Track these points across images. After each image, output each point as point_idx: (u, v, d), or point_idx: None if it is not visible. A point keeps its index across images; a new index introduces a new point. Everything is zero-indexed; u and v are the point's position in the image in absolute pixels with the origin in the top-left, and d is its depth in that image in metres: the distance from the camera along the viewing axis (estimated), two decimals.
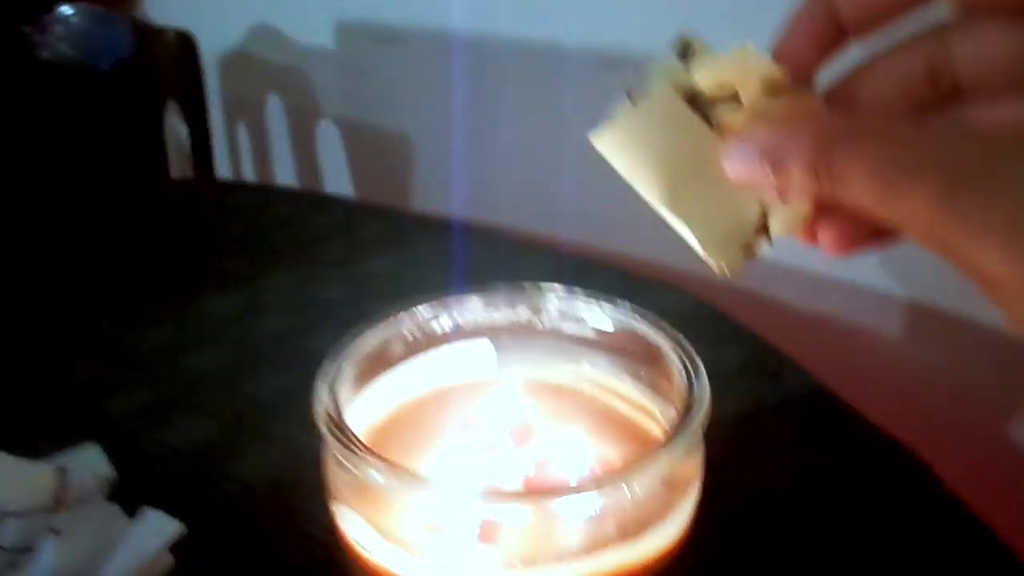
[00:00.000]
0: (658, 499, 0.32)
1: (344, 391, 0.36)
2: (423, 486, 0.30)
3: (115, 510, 0.42)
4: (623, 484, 0.30)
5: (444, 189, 0.97)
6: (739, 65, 0.30)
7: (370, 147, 1.06)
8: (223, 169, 1.17)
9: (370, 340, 0.38)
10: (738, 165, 0.30)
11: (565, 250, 0.74)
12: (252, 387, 0.56)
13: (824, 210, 0.30)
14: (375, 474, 0.30)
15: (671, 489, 0.33)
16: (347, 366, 0.37)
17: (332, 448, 0.32)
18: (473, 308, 0.41)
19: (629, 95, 0.31)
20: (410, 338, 0.41)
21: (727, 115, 0.30)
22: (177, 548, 0.40)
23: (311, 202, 0.92)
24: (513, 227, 0.81)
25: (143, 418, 0.53)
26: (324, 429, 0.32)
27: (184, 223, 0.83)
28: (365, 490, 0.32)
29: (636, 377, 0.40)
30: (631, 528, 0.31)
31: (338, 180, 1.10)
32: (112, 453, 0.46)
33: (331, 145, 1.10)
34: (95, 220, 0.78)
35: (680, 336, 0.37)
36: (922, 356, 0.71)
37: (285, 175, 1.15)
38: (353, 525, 0.33)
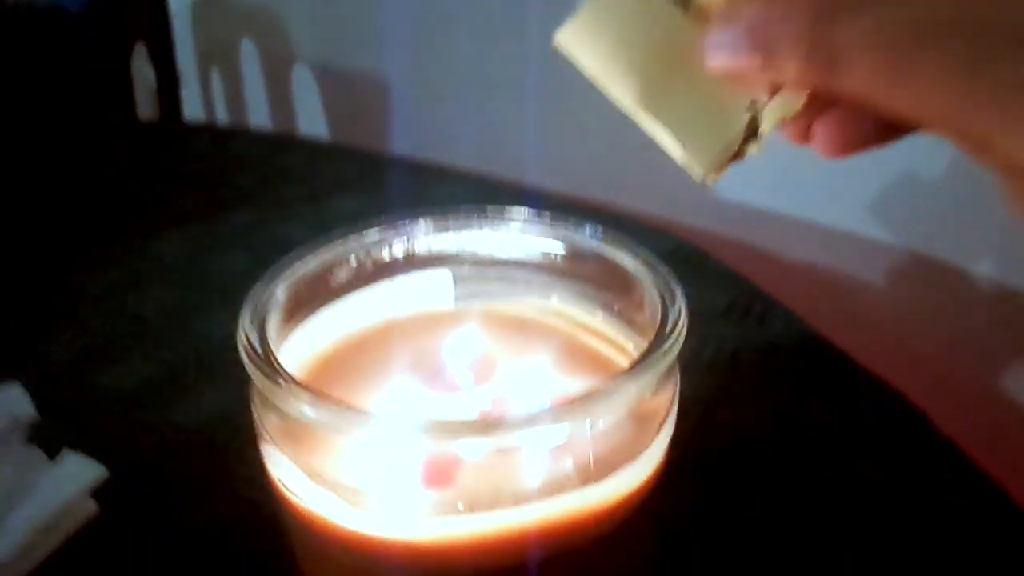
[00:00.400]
0: (625, 435, 0.28)
1: (276, 319, 0.32)
2: (357, 420, 0.26)
3: (35, 453, 0.38)
4: (585, 415, 0.26)
5: (421, 134, 0.93)
6: None
7: (346, 92, 1.01)
8: (196, 115, 1.12)
9: (308, 265, 0.34)
10: (721, 53, 0.26)
11: (540, 194, 0.70)
12: (202, 328, 0.52)
13: (818, 104, 0.26)
14: (302, 408, 0.26)
15: (640, 425, 0.29)
16: (280, 291, 0.33)
17: (254, 379, 0.28)
18: (429, 233, 0.37)
19: None
20: (356, 265, 0.37)
21: None
22: (102, 494, 0.37)
23: (277, 142, 0.87)
24: (487, 171, 0.77)
25: (82, 359, 0.49)
26: (245, 357, 0.28)
27: (146, 164, 0.79)
28: (292, 428, 0.28)
29: (608, 309, 0.36)
30: (595, 468, 0.27)
31: (313, 125, 1.05)
32: (44, 395, 0.42)
33: (306, 90, 1.05)
34: (57, 160, 0.75)
35: (656, 261, 0.33)
36: (910, 304, 0.67)
37: (259, 121, 1.10)
38: (282, 469, 0.29)
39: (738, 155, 0.28)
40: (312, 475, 0.28)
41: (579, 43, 0.28)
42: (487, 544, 0.27)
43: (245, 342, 0.29)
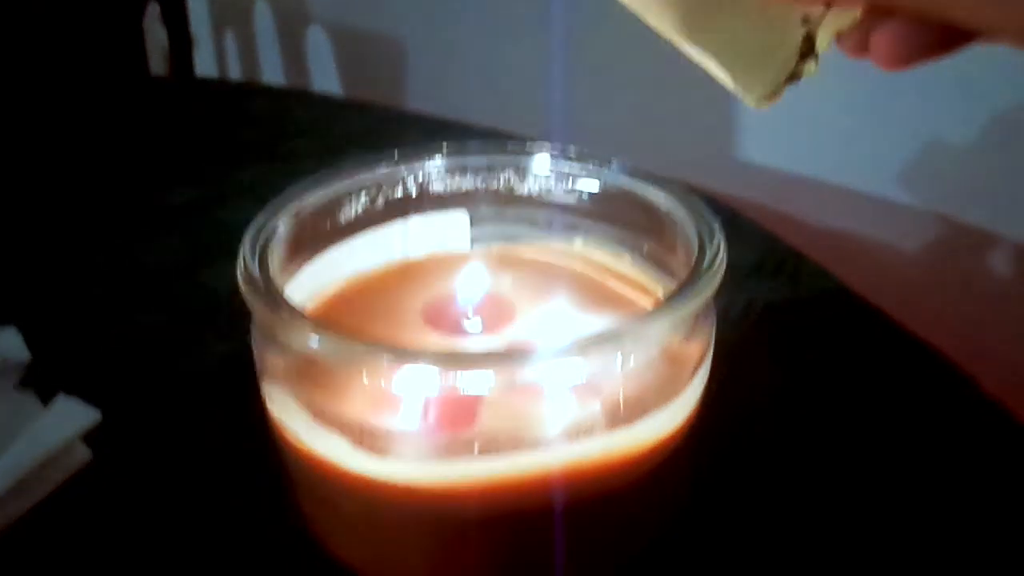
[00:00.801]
0: (658, 377, 0.26)
1: (279, 253, 0.30)
2: (365, 352, 0.24)
3: (28, 397, 0.36)
4: (615, 350, 0.24)
5: (435, 94, 0.90)
6: None
7: (360, 51, 0.99)
8: (209, 76, 1.10)
9: (314, 197, 0.32)
10: None
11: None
12: (209, 279, 0.50)
13: (876, 14, 0.24)
14: (307, 339, 0.24)
15: (673, 368, 0.27)
16: (283, 223, 0.30)
17: (254, 310, 0.26)
18: (444, 169, 0.35)
19: None
20: (367, 202, 0.34)
21: None
22: (97, 441, 0.35)
23: (290, 97, 0.85)
24: (504, 130, 0.75)
25: (82, 307, 0.47)
26: (244, 286, 0.26)
27: (156, 117, 0.77)
28: (295, 364, 0.26)
29: (637, 252, 0.34)
30: (625, 410, 0.25)
31: (327, 86, 1.02)
32: (40, 341, 0.40)
33: (320, 50, 1.02)
34: (69, 115, 0.73)
35: (692, 195, 0.31)
36: (941, 269, 0.65)
37: (273, 82, 1.08)
38: (284, 409, 0.27)
39: (794, 76, 0.25)
40: (316, 414, 0.26)
41: None
42: (504, 489, 0.25)
43: (244, 271, 0.27)
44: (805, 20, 0.25)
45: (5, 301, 0.46)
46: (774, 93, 0.25)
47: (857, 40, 0.24)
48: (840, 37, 0.25)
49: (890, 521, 0.33)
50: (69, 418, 0.34)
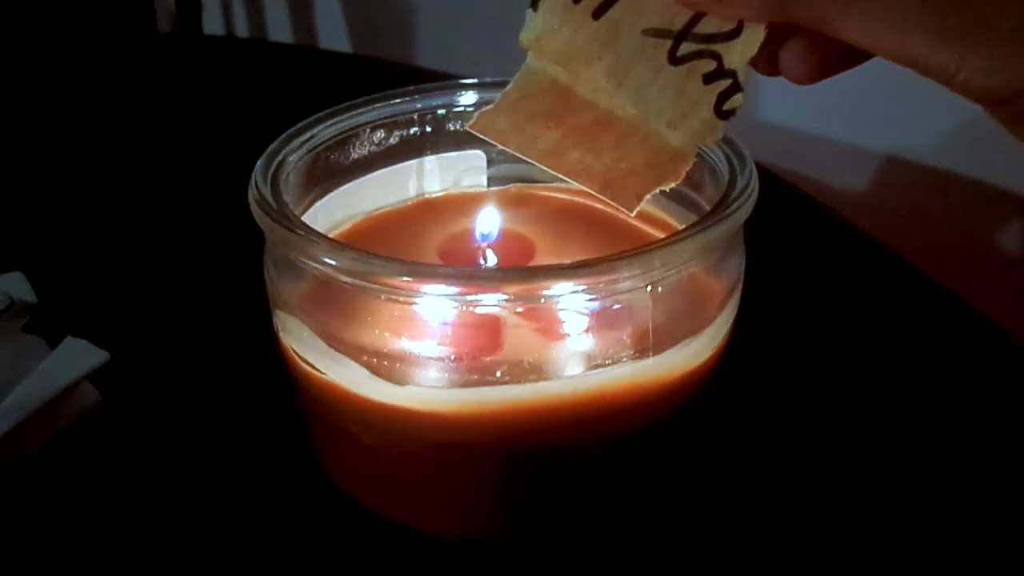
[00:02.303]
0: (685, 306, 0.25)
1: (294, 183, 0.29)
2: (384, 268, 0.23)
3: (35, 340, 0.35)
4: (643, 271, 0.23)
5: (446, 51, 0.89)
6: None
7: (368, 10, 0.97)
8: (216, 30, 1.08)
9: (328, 131, 0.31)
10: None
11: None
12: (218, 225, 0.49)
13: (781, 33, 0.23)
14: (323, 257, 0.23)
15: (703, 297, 0.26)
16: (297, 154, 0.29)
17: (267, 231, 0.25)
18: (462, 106, 0.34)
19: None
20: (382, 137, 0.33)
21: None
22: (105, 382, 0.34)
23: (302, 54, 0.83)
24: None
25: (89, 252, 0.46)
26: (256, 207, 0.25)
27: (164, 73, 0.76)
28: (309, 289, 0.25)
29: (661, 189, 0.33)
30: (652, 339, 0.24)
31: (335, 43, 1.01)
32: (47, 284, 0.39)
33: (328, 7, 1.01)
34: (77, 70, 0.72)
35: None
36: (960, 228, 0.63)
37: (280, 39, 1.07)
38: (298, 337, 0.26)
39: (727, 114, 0.24)
40: (332, 343, 0.25)
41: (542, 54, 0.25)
42: (526, 419, 0.24)
43: (256, 193, 0.26)
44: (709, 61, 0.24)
45: (11, 246, 0.46)
46: (713, 132, 0.25)
47: (765, 58, 0.24)
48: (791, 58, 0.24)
49: (918, 467, 0.32)
50: (77, 359, 0.33)
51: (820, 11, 0.21)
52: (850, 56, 0.23)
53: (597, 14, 0.24)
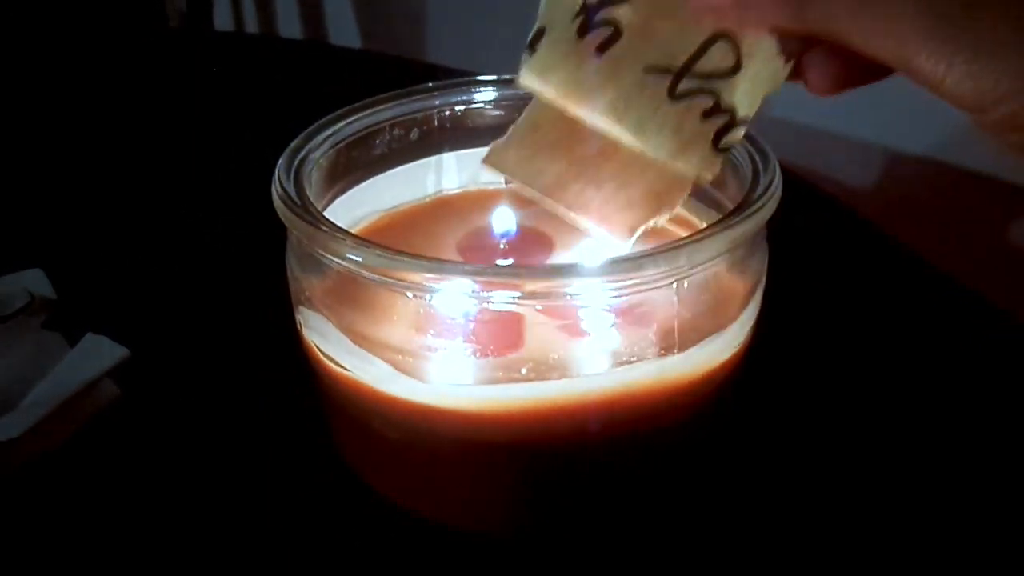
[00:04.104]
0: (713, 302, 0.25)
1: (316, 178, 0.29)
2: (409, 265, 0.23)
3: (55, 337, 0.35)
4: (668, 268, 0.23)
5: (456, 44, 0.88)
6: None
7: (378, 2, 0.97)
8: (226, 27, 1.08)
9: (349, 128, 0.31)
10: None
11: None
12: (232, 222, 0.49)
13: (809, 42, 0.24)
14: (347, 253, 0.23)
15: (727, 294, 0.26)
16: (319, 151, 0.29)
17: (291, 227, 0.25)
18: (480, 103, 0.34)
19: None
20: (401, 135, 0.33)
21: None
22: (125, 378, 0.34)
23: (312, 50, 0.83)
24: None
25: (107, 249, 0.46)
26: (280, 204, 0.25)
27: (174, 69, 0.76)
28: (333, 285, 0.25)
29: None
30: (676, 336, 0.24)
31: (345, 39, 1.01)
32: (67, 282, 0.40)
33: (338, 1, 1.01)
34: (91, 67, 0.72)
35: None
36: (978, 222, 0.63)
37: (290, 32, 1.07)
38: (321, 334, 0.26)
39: (725, 149, 0.25)
40: (356, 339, 0.25)
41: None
42: (550, 416, 0.24)
43: (280, 189, 0.26)
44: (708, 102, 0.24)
45: (31, 243, 0.46)
46: (711, 166, 0.25)
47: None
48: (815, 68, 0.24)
49: (937, 459, 0.32)
50: (97, 355, 0.34)
51: (832, 19, 0.21)
52: (868, 70, 0.23)
53: (601, 50, 0.25)
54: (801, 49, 0.24)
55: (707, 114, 0.24)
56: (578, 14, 0.25)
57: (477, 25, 0.85)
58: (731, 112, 0.24)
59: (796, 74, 0.24)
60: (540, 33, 0.25)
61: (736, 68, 0.24)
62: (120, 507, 0.31)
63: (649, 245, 0.24)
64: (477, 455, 0.25)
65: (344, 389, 0.26)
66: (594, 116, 0.25)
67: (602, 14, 0.24)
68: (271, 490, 0.31)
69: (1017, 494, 0.30)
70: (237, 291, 0.41)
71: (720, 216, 0.29)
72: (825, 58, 0.23)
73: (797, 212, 0.43)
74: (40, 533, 0.30)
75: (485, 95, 0.34)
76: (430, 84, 0.34)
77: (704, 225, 0.31)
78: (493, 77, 0.34)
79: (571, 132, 0.25)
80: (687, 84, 0.24)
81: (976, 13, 0.20)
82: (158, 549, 0.29)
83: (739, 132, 0.25)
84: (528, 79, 0.25)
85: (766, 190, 0.26)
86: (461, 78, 0.34)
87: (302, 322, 0.28)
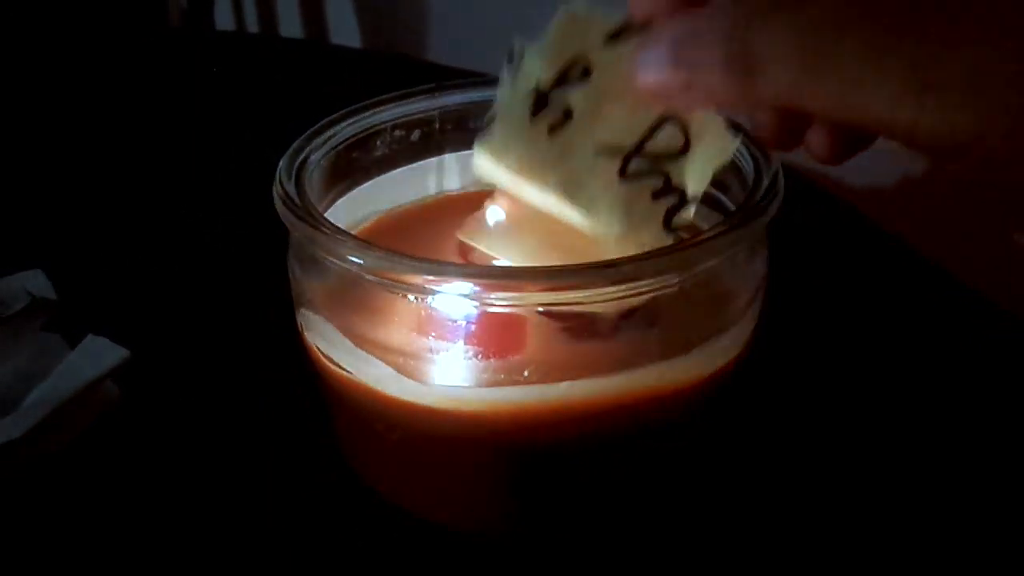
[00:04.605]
0: (715, 304, 0.25)
1: (317, 180, 0.29)
2: (411, 267, 0.22)
3: (55, 338, 0.35)
4: (670, 269, 0.22)
5: (457, 44, 0.88)
6: (569, 35, 0.25)
7: (379, 1, 0.97)
8: (227, 26, 1.09)
9: (350, 128, 0.31)
10: (649, 71, 0.22)
11: None
12: (232, 222, 0.49)
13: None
14: (349, 256, 0.23)
15: (729, 296, 0.26)
16: (319, 153, 0.29)
17: (293, 230, 0.25)
18: (481, 103, 0.34)
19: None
20: (402, 136, 0.33)
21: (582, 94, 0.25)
22: (126, 379, 0.34)
23: (312, 50, 0.83)
24: None
25: (108, 249, 0.46)
26: (282, 206, 0.25)
27: (174, 68, 0.76)
28: (336, 287, 0.25)
29: None
30: (677, 338, 0.24)
31: (346, 38, 1.01)
32: (67, 283, 0.40)
33: (339, 1, 1.01)
34: (91, 66, 0.72)
35: (744, 126, 0.29)
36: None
37: (291, 32, 1.07)
38: (323, 336, 0.26)
39: (677, 230, 0.25)
40: (357, 341, 0.25)
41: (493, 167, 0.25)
42: (552, 418, 0.24)
43: (281, 191, 0.26)
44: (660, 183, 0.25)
45: (31, 244, 0.46)
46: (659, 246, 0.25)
47: (780, 133, 0.24)
48: (763, 133, 0.24)
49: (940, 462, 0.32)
50: (98, 357, 0.33)
51: (785, 87, 0.20)
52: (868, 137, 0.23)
53: (552, 130, 0.25)
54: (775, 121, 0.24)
55: (657, 194, 0.25)
56: (530, 97, 0.25)
57: (479, 25, 0.85)
58: (681, 191, 0.25)
59: (790, 140, 0.24)
60: (493, 119, 0.25)
61: (685, 148, 0.25)
62: (122, 508, 0.30)
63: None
64: (479, 457, 0.25)
65: (345, 391, 0.26)
66: (547, 194, 0.25)
67: (554, 96, 0.25)
68: (273, 491, 0.31)
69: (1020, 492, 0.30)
70: (238, 292, 0.41)
71: (722, 218, 0.29)
72: (827, 131, 0.23)
73: (798, 210, 0.43)
74: (42, 534, 0.30)
75: (487, 95, 0.34)
76: (431, 85, 0.34)
77: (706, 227, 0.31)
78: (495, 77, 0.34)
79: (537, 213, 0.26)
80: (637, 165, 0.25)
81: (938, 52, 0.19)
82: (160, 550, 0.29)
83: (690, 211, 0.25)
84: (481, 159, 0.25)
85: (768, 191, 0.25)
86: (463, 78, 0.34)
87: (303, 324, 0.28)
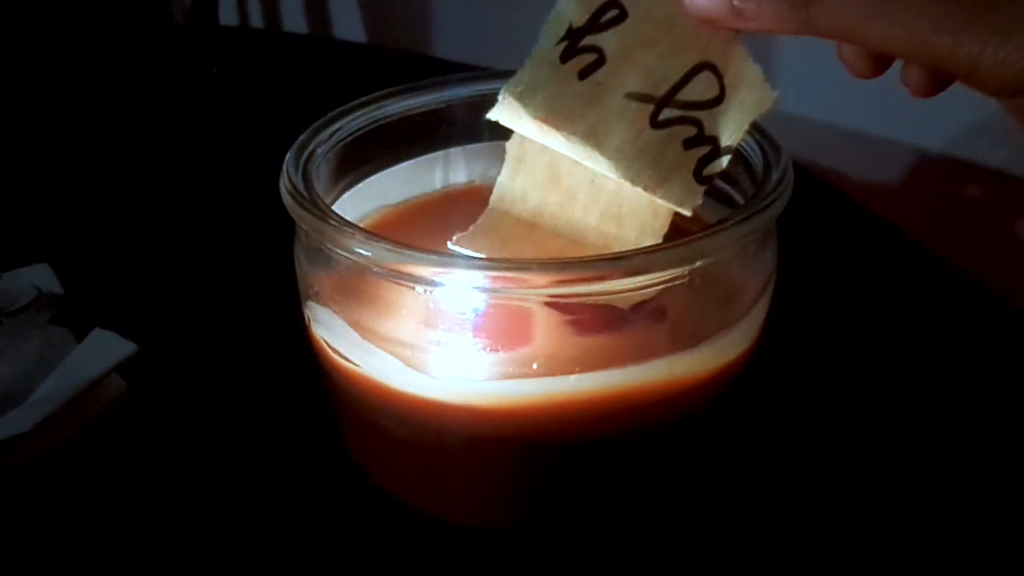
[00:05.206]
0: (725, 297, 0.25)
1: (324, 173, 0.29)
2: (418, 259, 0.22)
3: (62, 332, 0.35)
4: (679, 261, 0.22)
5: (461, 38, 0.88)
6: None
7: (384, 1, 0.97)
8: (231, 22, 1.08)
9: (356, 122, 0.31)
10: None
11: None
12: (237, 217, 0.49)
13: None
14: (356, 247, 0.23)
15: (738, 290, 0.25)
16: (326, 146, 0.29)
17: (300, 221, 0.25)
18: (487, 98, 0.34)
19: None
20: (409, 130, 0.33)
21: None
22: (133, 373, 0.34)
23: (316, 44, 0.83)
24: None
25: (114, 244, 0.46)
26: (288, 198, 0.25)
27: (179, 64, 0.76)
28: (342, 279, 0.25)
29: None
30: (687, 330, 0.24)
31: (349, 34, 1.01)
32: (75, 277, 0.40)
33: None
34: (97, 62, 0.72)
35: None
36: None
37: (295, 27, 1.06)
38: (329, 328, 0.26)
39: (708, 179, 0.24)
40: (364, 334, 0.25)
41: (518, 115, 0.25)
42: (561, 412, 0.24)
43: (288, 183, 0.25)
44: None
45: (38, 238, 0.46)
46: (693, 196, 0.24)
47: (874, 61, 0.24)
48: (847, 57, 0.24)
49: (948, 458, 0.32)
50: (105, 351, 0.33)
51: (844, 22, 0.21)
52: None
53: (583, 75, 0.24)
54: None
55: (689, 143, 0.24)
56: (562, 39, 0.24)
57: (484, 19, 0.85)
58: (714, 141, 0.24)
59: (873, 67, 0.24)
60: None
61: (720, 99, 0.24)
62: (127, 503, 0.30)
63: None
64: (486, 451, 0.25)
65: (352, 384, 0.26)
66: (573, 141, 0.24)
67: (587, 40, 0.24)
68: (278, 485, 0.31)
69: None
70: (245, 286, 0.41)
71: (731, 211, 0.29)
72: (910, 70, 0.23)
73: (807, 206, 0.42)
74: (48, 529, 0.30)
75: (493, 89, 0.34)
76: (437, 79, 0.34)
77: (715, 220, 0.31)
78: (501, 71, 0.34)
79: (531, 233, 0.25)
80: (669, 112, 0.24)
81: (996, 3, 0.19)
82: (165, 546, 0.29)
83: (722, 162, 0.24)
84: (507, 102, 0.24)
85: (778, 184, 0.25)
86: (469, 72, 0.34)
87: (310, 317, 0.27)
